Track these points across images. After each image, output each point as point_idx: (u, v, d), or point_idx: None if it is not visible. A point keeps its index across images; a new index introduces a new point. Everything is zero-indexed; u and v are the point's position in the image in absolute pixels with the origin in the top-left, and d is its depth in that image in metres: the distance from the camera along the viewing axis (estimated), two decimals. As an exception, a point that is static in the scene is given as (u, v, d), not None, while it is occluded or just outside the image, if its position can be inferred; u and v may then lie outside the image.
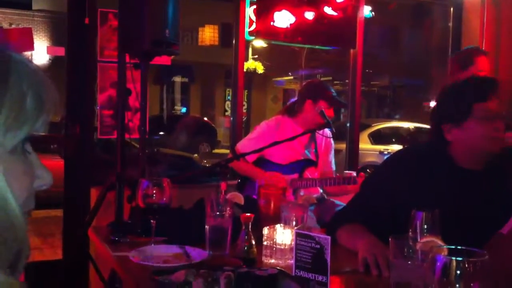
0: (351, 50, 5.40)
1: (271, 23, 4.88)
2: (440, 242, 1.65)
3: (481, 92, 2.17)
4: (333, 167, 4.09)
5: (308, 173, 3.89)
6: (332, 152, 4.09)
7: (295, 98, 4.10)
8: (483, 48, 5.32)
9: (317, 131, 3.81)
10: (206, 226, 2.13)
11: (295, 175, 3.83)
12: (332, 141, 4.07)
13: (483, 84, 2.24)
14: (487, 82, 2.25)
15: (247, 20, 4.91)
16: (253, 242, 2.05)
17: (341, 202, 3.68)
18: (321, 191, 3.93)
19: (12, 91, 0.70)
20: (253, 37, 5.08)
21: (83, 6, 4.12)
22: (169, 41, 3.17)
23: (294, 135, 3.45)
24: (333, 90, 3.93)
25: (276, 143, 3.32)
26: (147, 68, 3.27)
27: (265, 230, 2.09)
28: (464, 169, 2.23)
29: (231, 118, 5.18)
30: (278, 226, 2.10)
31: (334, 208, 3.52)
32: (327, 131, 3.93)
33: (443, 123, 2.23)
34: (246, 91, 21.17)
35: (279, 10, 4.87)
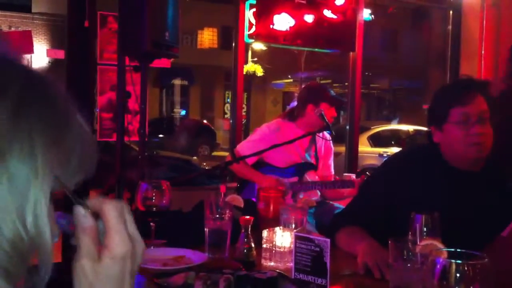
0: (351, 53, 5.41)
1: (271, 26, 4.89)
2: (439, 245, 1.65)
3: (458, 96, 2.15)
4: (332, 171, 4.09)
5: (308, 177, 3.89)
6: (332, 156, 4.09)
7: (294, 101, 4.11)
8: (483, 51, 5.33)
9: (316, 134, 3.81)
10: (205, 229, 2.13)
11: (295, 179, 3.83)
12: (332, 145, 4.07)
13: (463, 87, 2.21)
14: (469, 85, 2.22)
15: (246, 23, 4.92)
16: (253, 245, 2.05)
17: (340, 205, 3.68)
18: (319, 194, 3.93)
19: (70, 138, 0.72)
20: (252, 40, 5.08)
21: (83, 9, 4.13)
22: (169, 44, 3.18)
23: (294, 138, 3.45)
24: (330, 90, 3.94)
25: (275, 146, 3.32)
26: (146, 71, 3.27)
27: (265, 233, 2.08)
28: (460, 171, 2.23)
29: (231, 121, 5.19)
30: (277, 229, 2.10)
31: (334, 211, 3.52)
32: (326, 134, 3.93)
33: (429, 125, 2.25)
34: (245, 93, 21.17)
35: (279, 13, 4.88)
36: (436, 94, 2.32)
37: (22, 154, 0.66)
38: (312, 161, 3.94)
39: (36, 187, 0.67)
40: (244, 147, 3.84)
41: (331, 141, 4.02)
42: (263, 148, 3.43)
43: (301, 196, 3.74)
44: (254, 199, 2.87)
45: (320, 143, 3.99)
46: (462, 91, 2.17)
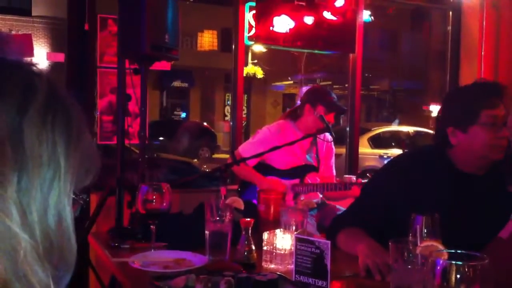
0: (351, 55, 5.41)
1: (271, 28, 4.88)
2: (440, 246, 1.65)
3: (489, 98, 2.17)
4: (334, 172, 4.09)
5: (309, 179, 3.89)
6: (333, 157, 4.09)
7: (298, 101, 4.12)
8: (483, 52, 5.33)
9: (317, 136, 3.81)
10: (206, 231, 2.13)
11: (296, 180, 3.83)
12: (333, 146, 4.07)
13: (492, 90, 2.23)
14: (496, 88, 2.24)
15: (246, 25, 4.91)
16: (253, 247, 2.05)
17: (342, 207, 3.68)
18: (321, 196, 3.93)
19: (83, 146, 0.76)
20: (252, 42, 5.08)
21: (82, 12, 4.13)
22: (169, 46, 3.17)
23: (294, 140, 3.45)
24: (334, 96, 3.93)
25: (276, 148, 3.31)
26: (146, 73, 3.27)
27: (265, 235, 2.09)
28: (465, 174, 2.24)
29: (231, 123, 5.18)
30: (278, 231, 2.10)
31: (335, 213, 3.51)
32: (327, 135, 3.93)
33: (448, 125, 2.24)
34: (245, 95, 21.16)
35: (279, 15, 4.88)
36: (458, 95, 2.33)
37: (48, 159, 0.69)
38: (313, 163, 3.94)
39: (60, 189, 0.70)
40: (245, 149, 3.84)
41: (332, 143, 4.02)
42: (264, 150, 3.43)
43: (302, 198, 3.75)
44: (254, 201, 2.87)
45: (321, 144, 4.00)
46: (491, 94, 2.19)
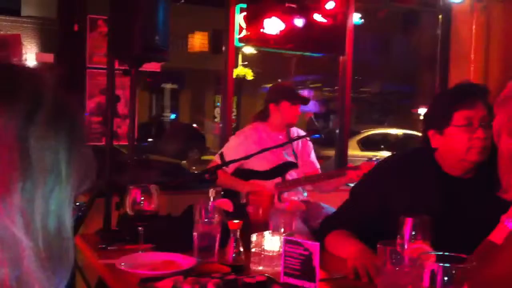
0: (341, 57, 5.42)
1: (261, 30, 4.89)
2: (428, 249, 1.65)
3: (462, 100, 2.16)
4: (317, 166, 4.09)
5: (290, 176, 3.89)
6: (312, 152, 4.10)
7: None
8: (472, 55, 5.36)
9: (289, 130, 3.90)
10: (194, 233, 2.13)
11: (278, 179, 3.83)
12: (309, 141, 4.09)
13: (466, 91, 2.23)
14: (472, 89, 2.24)
15: (237, 27, 4.91)
16: (242, 249, 2.05)
17: (327, 205, 3.69)
18: (305, 194, 3.94)
19: (82, 153, 0.75)
20: (243, 44, 5.09)
21: (72, 12, 4.12)
22: (159, 48, 3.16)
23: (274, 145, 3.38)
24: (294, 89, 4.01)
25: (256, 153, 3.23)
26: (136, 75, 3.26)
27: (254, 237, 2.08)
28: (451, 177, 2.24)
29: (221, 125, 5.18)
30: (266, 233, 2.10)
31: (321, 212, 3.51)
32: (300, 131, 4.00)
33: (429, 129, 2.25)
34: (235, 97, 21.12)
35: (269, 17, 4.88)
36: (437, 98, 2.34)
37: (50, 166, 0.70)
38: (292, 159, 3.94)
39: (61, 196, 0.71)
40: (229, 155, 3.80)
41: (308, 139, 4.06)
42: (240, 157, 3.36)
43: (285, 195, 3.74)
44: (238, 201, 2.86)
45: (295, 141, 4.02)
46: (465, 95, 2.18)
